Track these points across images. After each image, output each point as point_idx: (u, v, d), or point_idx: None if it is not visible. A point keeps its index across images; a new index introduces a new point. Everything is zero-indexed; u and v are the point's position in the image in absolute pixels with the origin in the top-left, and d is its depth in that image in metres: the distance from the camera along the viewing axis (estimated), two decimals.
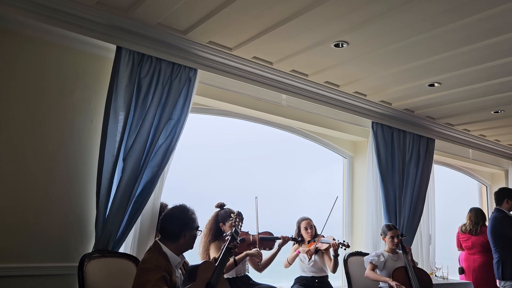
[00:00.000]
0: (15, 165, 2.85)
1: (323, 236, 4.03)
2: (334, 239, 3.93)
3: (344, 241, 3.94)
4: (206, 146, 4.26)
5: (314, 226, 4.12)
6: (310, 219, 4.12)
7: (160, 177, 3.22)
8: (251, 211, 3.57)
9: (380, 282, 3.96)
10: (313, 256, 3.93)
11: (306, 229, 4.07)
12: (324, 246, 3.95)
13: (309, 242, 4.05)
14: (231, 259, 3.18)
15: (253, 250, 3.44)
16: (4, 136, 2.83)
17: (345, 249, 4.02)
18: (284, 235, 3.71)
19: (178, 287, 2.40)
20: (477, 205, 6.76)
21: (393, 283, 3.77)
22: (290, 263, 4.04)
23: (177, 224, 2.46)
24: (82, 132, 3.11)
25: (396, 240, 4.03)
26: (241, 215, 3.10)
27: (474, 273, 4.97)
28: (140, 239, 3.17)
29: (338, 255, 3.92)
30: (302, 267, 4.02)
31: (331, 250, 3.92)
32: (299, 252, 4.00)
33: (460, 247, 5.33)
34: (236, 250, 2.97)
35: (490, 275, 4.86)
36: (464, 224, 5.19)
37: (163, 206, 3.24)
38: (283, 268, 4.08)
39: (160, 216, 2.70)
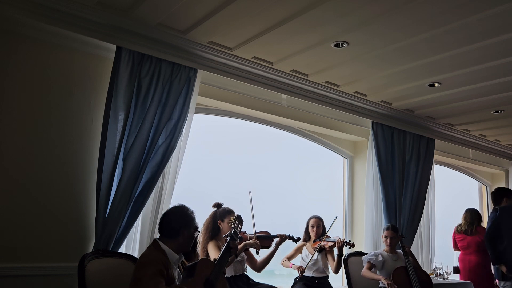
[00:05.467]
0: (15, 164, 2.85)
1: (329, 236, 4.04)
2: (339, 238, 3.94)
3: (349, 241, 3.95)
4: (206, 146, 4.26)
5: (323, 226, 4.13)
6: (318, 218, 4.13)
7: (170, 179, 3.28)
8: (249, 210, 3.58)
9: (380, 282, 3.97)
10: (315, 255, 3.93)
11: (312, 227, 4.09)
12: (329, 244, 3.96)
13: (314, 241, 4.07)
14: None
15: (251, 240, 3.46)
16: (5, 136, 2.83)
17: (349, 248, 4.02)
18: (281, 234, 3.70)
19: (175, 283, 2.41)
20: (477, 205, 6.79)
21: (386, 282, 3.78)
22: (284, 266, 4.04)
23: (175, 220, 2.51)
24: (82, 132, 3.11)
25: (388, 241, 4.04)
26: (241, 218, 3.16)
27: (470, 273, 4.99)
28: (140, 239, 3.18)
29: (342, 254, 3.93)
30: (303, 267, 4.01)
31: (335, 249, 3.93)
32: (291, 266, 3.98)
33: (455, 247, 5.34)
34: (236, 249, 2.98)
35: (485, 275, 4.89)
36: (460, 225, 5.24)
37: None
38: (279, 264, 4.06)
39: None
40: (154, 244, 2.49)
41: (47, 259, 2.89)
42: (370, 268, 3.99)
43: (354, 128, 4.98)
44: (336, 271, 3.99)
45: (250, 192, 3.63)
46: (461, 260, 5.17)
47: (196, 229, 2.58)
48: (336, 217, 4.04)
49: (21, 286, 2.79)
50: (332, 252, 4.03)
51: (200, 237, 3.44)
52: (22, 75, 2.93)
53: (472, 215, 5.14)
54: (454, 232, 5.32)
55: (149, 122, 3.14)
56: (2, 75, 2.86)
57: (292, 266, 3.98)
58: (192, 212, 2.59)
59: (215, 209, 3.53)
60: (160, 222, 2.57)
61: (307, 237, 4.15)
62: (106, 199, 2.95)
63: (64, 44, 3.08)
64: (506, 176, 6.89)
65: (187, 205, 2.62)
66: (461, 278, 5.10)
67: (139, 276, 2.29)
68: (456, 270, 5.17)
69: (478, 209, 5.56)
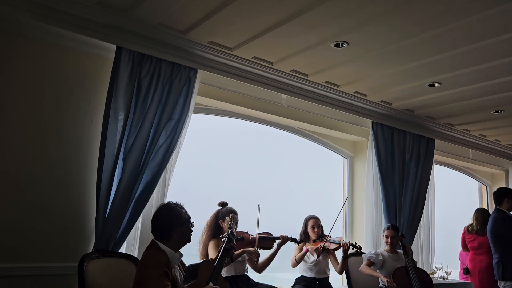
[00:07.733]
0: (15, 165, 2.85)
1: (330, 237, 4.00)
2: (344, 240, 3.90)
3: (355, 243, 3.89)
4: (206, 146, 4.26)
5: (322, 226, 4.10)
6: (317, 219, 4.08)
7: (162, 177, 3.23)
8: (250, 211, 3.58)
9: (380, 281, 3.96)
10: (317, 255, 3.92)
11: (313, 227, 4.03)
12: (333, 246, 3.92)
13: (314, 241, 4.02)
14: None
15: (251, 248, 3.46)
16: (4, 136, 2.83)
17: (356, 252, 3.94)
18: (283, 235, 3.69)
19: (179, 284, 2.41)
20: (477, 205, 6.77)
21: (385, 279, 3.78)
22: (298, 261, 3.94)
23: (165, 223, 2.45)
24: (82, 132, 3.11)
25: (389, 241, 4.03)
26: (235, 218, 3.17)
27: (481, 273, 4.88)
28: (141, 240, 3.18)
29: (348, 257, 3.90)
30: (304, 267, 3.99)
31: (340, 251, 3.89)
32: (308, 250, 3.93)
33: (464, 247, 5.27)
34: (233, 251, 3.02)
35: None
36: (471, 225, 5.09)
37: None
38: (290, 267, 4.02)
39: None
40: (153, 244, 2.44)
41: (47, 259, 2.89)
42: (369, 265, 3.96)
43: (354, 128, 4.98)
44: (341, 272, 3.97)
45: (259, 205, 3.56)
46: (471, 260, 5.04)
47: (189, 220, 2.51)
48: (347, 198, 3.96)
49: (21, 286, 2.79)
50: (334, 253, 4.00)
51: (202, 235, 3.46)
52: (22, 75, 2.93)
53: (483, 215, 4.99)
54: (463, 232, 5.20)
55: (149, 122, 3.14)
56: (2, 75, 2.86)
57: (309, 249, 3.91)
58: (177, 209, 2.50)
59: (220, 207, 3.54)
60: (151, 227, 2.51)
61: (306, 238, 4.09)
62: (106, 199, 2.95)
63: (64, 44, 3.07)
64: (506, 176, 6.89)
65: (173, 201, 2.55)
66: (471, 279, 5.02)
67: (143, 278, 2.24)
68: (466, 271, 5.08)
69: None
